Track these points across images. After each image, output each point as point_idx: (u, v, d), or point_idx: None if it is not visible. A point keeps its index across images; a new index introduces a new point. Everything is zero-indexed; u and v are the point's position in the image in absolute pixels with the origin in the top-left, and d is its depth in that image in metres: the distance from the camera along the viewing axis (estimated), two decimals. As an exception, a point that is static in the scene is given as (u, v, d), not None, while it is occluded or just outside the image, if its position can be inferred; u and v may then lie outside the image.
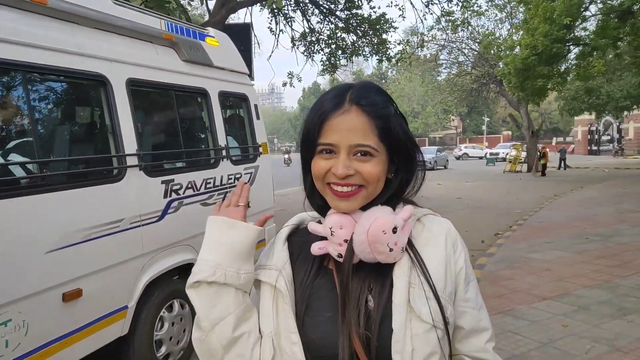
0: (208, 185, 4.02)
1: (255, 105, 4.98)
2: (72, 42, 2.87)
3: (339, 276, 0.96)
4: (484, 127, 58.02)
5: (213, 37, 4.42)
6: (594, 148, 43.82)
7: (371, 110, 0.95)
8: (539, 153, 23.08)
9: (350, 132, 0.94)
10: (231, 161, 4.38)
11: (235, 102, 4.86)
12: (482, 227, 8.96)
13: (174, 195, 3.59)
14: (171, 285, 3.61)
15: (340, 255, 0.95)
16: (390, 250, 0.92)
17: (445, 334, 0.92)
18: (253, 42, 8.94)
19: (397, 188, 1.01)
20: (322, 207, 1.04)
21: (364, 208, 0.98)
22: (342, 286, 0.94)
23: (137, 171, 3.23)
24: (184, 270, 3.85)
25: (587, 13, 18.93)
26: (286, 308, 0.96)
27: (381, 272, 0.95)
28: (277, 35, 12.00)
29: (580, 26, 19.36)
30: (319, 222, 1.02)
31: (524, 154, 25.45)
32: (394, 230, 0.92)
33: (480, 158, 36.78)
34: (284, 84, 13.57)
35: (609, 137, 43.66)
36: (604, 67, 17.92)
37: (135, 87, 3.36)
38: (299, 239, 1.07)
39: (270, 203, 5.13)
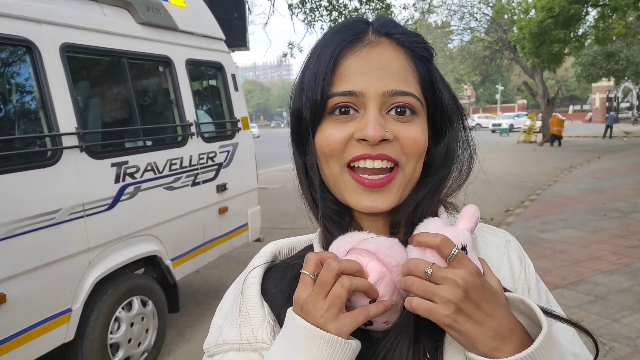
0: (174, 167, 3.56)
1: (233, 75, 4.45)
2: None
3: None
4: (497, 97, 56.48)
5: (178, -4, 3.87)
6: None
7: (410, 43, 0.64)
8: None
9: (383, 72, 0.61)
10: (203, 138, 3.90)
11: (208, 72, 4.34)
12: (491, 203, 8.38)
13: (128, 180, 3.13)
14: (129, 281, 3.20)
15: (386, 323, 0.58)
16: None
17: None
18: (247, 10, 8.33)
19: (442, 174, 0.67)
20: (338, 214, 0.67)
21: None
22: None
23: (78, 153, 2.76)
24: (149, 262, 3.45)
25: (608, -29, 17.81)
26: None
27: (434, 334, 0.58)
28: (272, 1, 11.31)
29: (601, -14, 18.28)
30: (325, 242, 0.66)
31: (539, 124, 24.46)
32: None
33: (493, 132, 34.49)
34: (284, 55, 13.05)
35: (628, 104, 42.13)
36: (624, 29, 16.95)
37: (74, 54, 2.87)
38: (276, 286, 0.66)
39: (253, 184, 4.67)
